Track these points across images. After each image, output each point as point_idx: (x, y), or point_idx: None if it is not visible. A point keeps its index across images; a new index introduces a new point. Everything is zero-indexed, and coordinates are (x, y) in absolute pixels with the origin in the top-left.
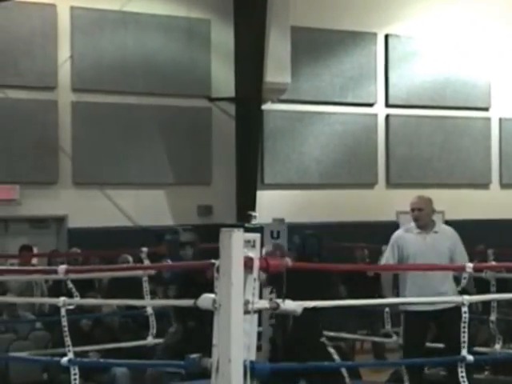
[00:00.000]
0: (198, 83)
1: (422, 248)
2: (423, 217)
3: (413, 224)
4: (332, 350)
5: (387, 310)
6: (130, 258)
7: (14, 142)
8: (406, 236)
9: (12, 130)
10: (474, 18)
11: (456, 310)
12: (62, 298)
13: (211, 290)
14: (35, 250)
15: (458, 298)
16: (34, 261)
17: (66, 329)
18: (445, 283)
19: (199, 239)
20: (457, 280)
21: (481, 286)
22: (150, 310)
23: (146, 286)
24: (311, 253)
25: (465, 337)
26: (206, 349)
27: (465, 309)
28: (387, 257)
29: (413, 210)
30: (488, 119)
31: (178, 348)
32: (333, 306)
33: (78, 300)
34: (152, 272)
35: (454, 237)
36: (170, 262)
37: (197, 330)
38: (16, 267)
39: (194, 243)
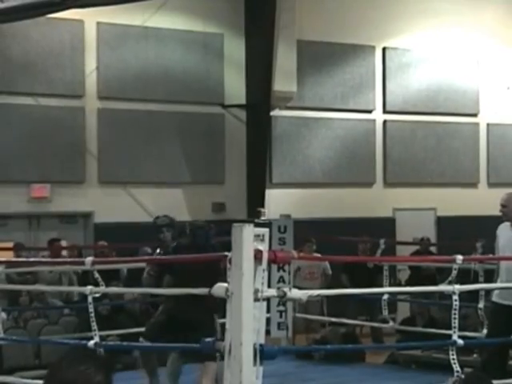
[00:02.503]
0: (213, 92)
1: (507, 242)
2: (507, 213)
3: None
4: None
5: (385, 297)
6: (150, 250)
7: (46, 145)
8: (503, 229)
9: (44, 135)
10: (464, 32)
11: None
12: (89, 287)
13: None
14: (64, 243)
15: (449, 287)
16: (63, 253)
17: (92, 314)
18: None
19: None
20: None
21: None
22: None
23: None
24: (200, 242)
25: (455, 323)
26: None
27: (455, 297)
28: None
29: (500, 205)
30: (477, 124)
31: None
32: (336, 294)
33: (103, 288)
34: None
35: None
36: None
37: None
38: (46, 259)
39: (170, 225)
